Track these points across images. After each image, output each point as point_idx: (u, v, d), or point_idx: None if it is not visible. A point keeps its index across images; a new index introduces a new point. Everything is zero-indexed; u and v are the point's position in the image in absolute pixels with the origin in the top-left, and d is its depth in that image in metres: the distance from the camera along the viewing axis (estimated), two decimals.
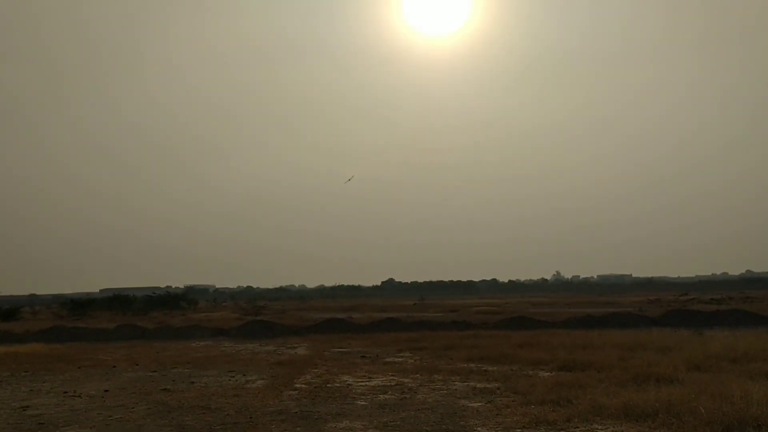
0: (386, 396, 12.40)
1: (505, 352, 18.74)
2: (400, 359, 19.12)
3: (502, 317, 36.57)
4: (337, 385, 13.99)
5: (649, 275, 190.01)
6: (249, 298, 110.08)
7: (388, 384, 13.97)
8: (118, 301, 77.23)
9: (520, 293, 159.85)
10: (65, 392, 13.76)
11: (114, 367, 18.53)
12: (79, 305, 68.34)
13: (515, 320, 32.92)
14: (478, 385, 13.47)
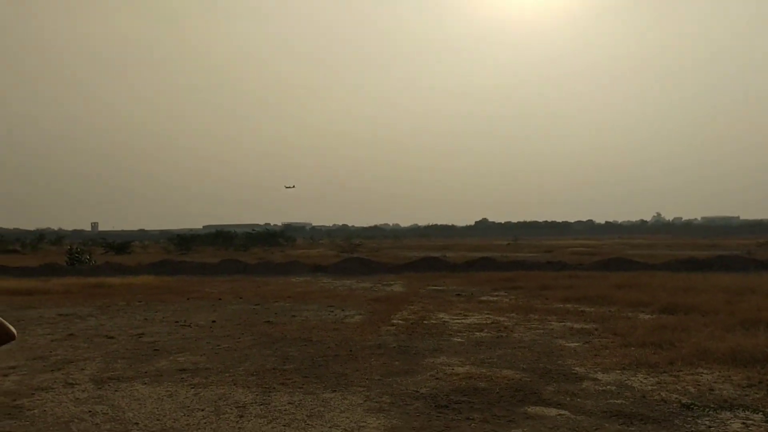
0: (482, 333, 12.49)
1: (603, 293, 18.42)
2: (495, 298, 19.15)
3: (598, 258, 35.86)
4: (433, 322, 14.19)
5: (759, 217, 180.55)
6: (345, 236, 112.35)
7: (484, 322, 14.05)
8: (220, 237, 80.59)
9: (617, 235, 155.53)
10: (176, 322, 14.57)
11: (219, 299, 19.43)
12: (184, 240, 71.69)
13: (612, 261, 32.17)
14: (575, 326, 13.34)
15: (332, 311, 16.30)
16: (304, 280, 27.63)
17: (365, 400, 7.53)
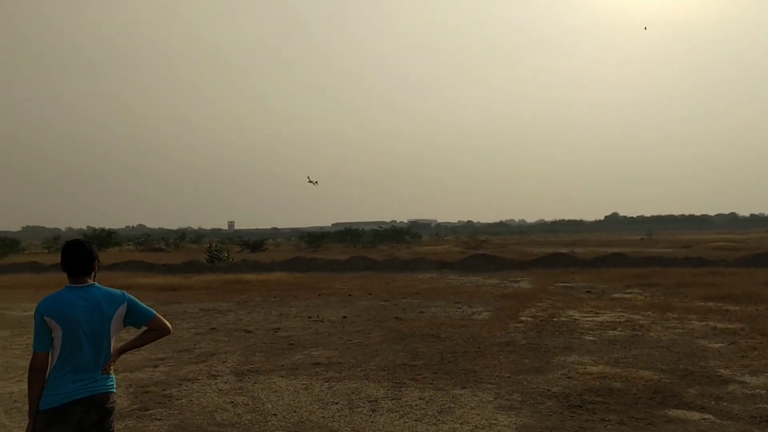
0: (615, 332, 12.06)
1: (749, 291, 17.28)
2: (629, 295, 18.42)
3: (744, 253, 33.57)
4: (563, 319, 13.87)
5: None
6: (470, 233, 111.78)
7: (617, 320, 13.56)
8: (348, 234, 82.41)
9: (765, 228, 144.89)
10: (309, 317, 15.07)
11: (349, 295, 19.91)
12: (314, 238, 74.00)
13: (760, 257, 29.97)
14: (719, 325, 12.60)
15: (459, 308, 16.29)
16: (431, 277, 27.77)
17: (495, 398, 7.49)
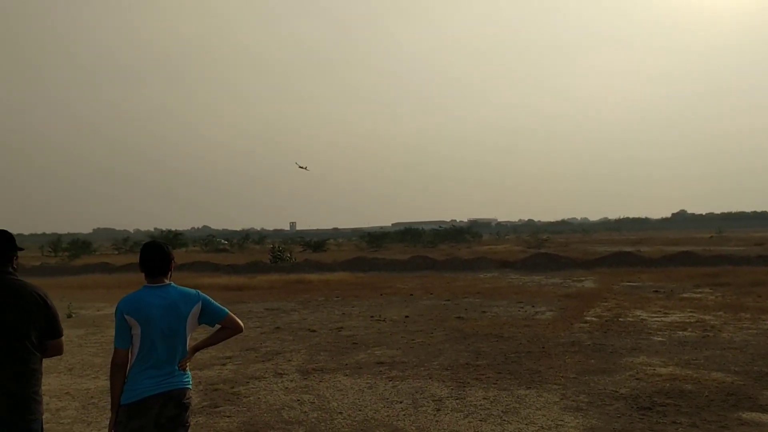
0: (685, 333, 11.75)
1: None
2: (699, 295, 17.89)
3: None
4: (630, 319, 13.58)
5: None
6: (531, 231, 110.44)
7: (687, 321, 13.20)
8: (408, 234, 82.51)
9: None
10: (371, 316, 15.17)
11: (411, 295, 19.94)
12: (375, 238, 74.31)
13: None
14: None
15: (522, 307, 16.13)
16: (492, 276, 27.57)
17: (561, 399, 7.40)
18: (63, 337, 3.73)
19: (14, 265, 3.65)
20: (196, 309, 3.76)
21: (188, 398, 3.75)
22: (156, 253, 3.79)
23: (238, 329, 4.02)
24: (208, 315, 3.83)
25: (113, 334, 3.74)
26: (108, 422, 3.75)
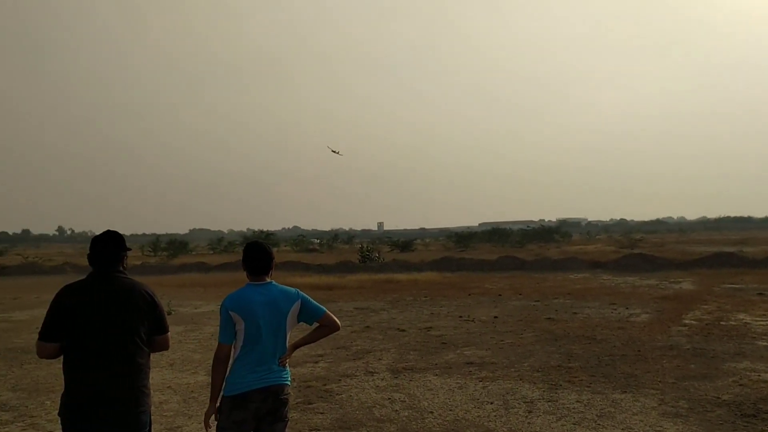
0: None
1: None
2: None
3: None
4: (732, 323, 12.99)
5: None
6: (623, 231, 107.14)
7: None
8: (496, 234, 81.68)
9: None
10: (460, 316, 15.12)
11: (499, 295, 19.75)
12: (462, 238, 73.89)
13: None
14: None
15: (615, 309, 15.70)
16: (582, 277, 26.94)
17: (659, 404, 7.17)
18: (169, 333, 3.92)
19: (124, 265, 3.87)
20: (296, 307, 3.91)
21: (287, 394, 3.89)
22: (259, 253, 3.96)
23: (335, 327, 4.12)
24: (307, 313, 3.97)
25: (211, 331, 3.98)
26: (204, 412, 3.94)
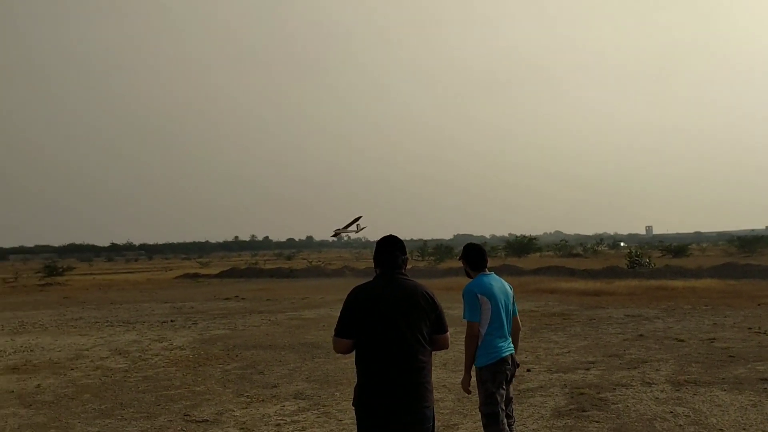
0: None
1: None
2: None
3: None
4: None
5: None
6: None
7: None
8: None
9: None
10: (749, 328, 13.65)
11: None
12: (746, 242, 66.80)
13: None
14: None
15: None
16: None
17: None
18: (448, 333, 4.07)
19: (405, 268, 4.10)
20: (513, 295, 5.24)
21: (518, 361, 5.25)
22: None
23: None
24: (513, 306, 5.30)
25: None
26: (461, 380, 5.19)
